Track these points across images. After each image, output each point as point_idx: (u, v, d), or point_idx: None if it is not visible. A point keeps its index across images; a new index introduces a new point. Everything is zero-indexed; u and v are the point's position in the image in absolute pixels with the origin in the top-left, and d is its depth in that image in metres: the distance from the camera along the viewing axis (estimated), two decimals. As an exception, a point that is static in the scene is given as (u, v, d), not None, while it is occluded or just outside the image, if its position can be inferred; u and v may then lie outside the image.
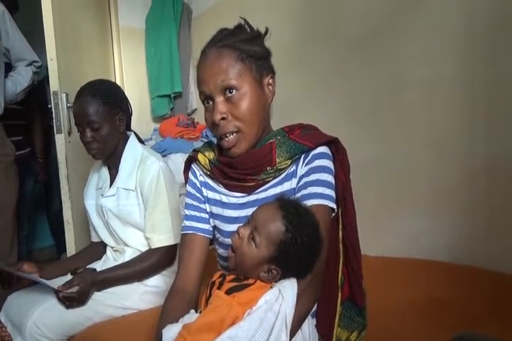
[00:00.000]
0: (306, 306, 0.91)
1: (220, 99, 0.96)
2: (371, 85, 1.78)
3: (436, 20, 1.54)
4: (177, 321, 0.90)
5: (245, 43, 0.97)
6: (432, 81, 1.57)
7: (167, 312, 1.00)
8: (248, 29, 1.02)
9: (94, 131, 1.49)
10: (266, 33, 1.03)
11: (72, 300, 1.35)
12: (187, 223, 1.12)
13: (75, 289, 1.34)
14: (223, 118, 0.96)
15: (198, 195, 1.13)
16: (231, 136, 0.98)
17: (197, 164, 1.15)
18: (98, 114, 1.48)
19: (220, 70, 0.95)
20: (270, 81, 1.02)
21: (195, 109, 3.07)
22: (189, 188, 1.15)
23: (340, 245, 1.06)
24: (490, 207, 1.43)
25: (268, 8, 2.22)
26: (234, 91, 0.95)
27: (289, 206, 0.89)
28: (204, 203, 1.13)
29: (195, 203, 1.13)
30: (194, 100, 3.05)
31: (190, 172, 1.17)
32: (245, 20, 1.03)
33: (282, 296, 0.84)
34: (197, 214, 1.12)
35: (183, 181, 1.22)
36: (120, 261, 1.53)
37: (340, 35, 1.91)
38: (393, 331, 1.24)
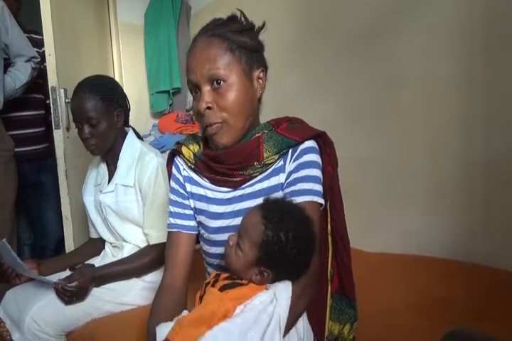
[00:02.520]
0: (301, 309, 0.91)
1: (206, 89, 0.95)
2: (369, 83, 1.77)
3: (435, 18, 1.53)
4: (166, 318, 0.91)
5: (236, 34, 0.95)
6: (430, 79, 1.56)
7: (156, 310, 1.01)
8: (244, 21, 1.00)
9: (93, 127, 1.49)
10: (262, 26, 1.01)
11: (70, 296, 1.35)
12: (172, 220, 1.11)
13: (73, 284, 1.35)
14: (209, 108, 0.95)
15: (181, 190, 1.11)
16: (215, 126, 0.96)
17: (180, 157, 1.12)
18: (96, 110, 1.48)
19: (207, 59, 0.93)
20: (261, 75, 1.00)
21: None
22: (172, 184, 1.13)
23: (329, 237, 1.06)
24: (488, 204, 1.43)
25: (267, 4, 2.21)
26: (221, 81, 0.93)
27: (270, 204, 0.88)
28: (188, 199, 1.10)
29: (179, 200, 1.11)
30: (193, 96, 3.04)
31: (173, 167, 1.14)
32: (241, 12, 1.01)
33: (276, 299, 0.83)
34: (181, 211, 1.11)
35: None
36: (119, 257, 1.53)
37: (338, 32, 1.91)
38: (391, 327, 1.25)
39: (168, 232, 1.11)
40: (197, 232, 1.12)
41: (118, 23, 3.04)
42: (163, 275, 1.08)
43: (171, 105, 3.07)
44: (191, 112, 3.00)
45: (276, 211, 0.86)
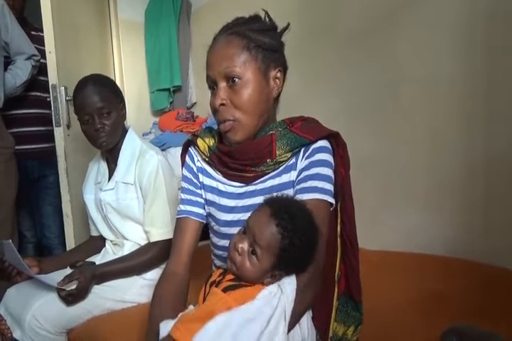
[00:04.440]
0: (306, 302, 0.91)
1: (222, 85, 0.97)
2: (371, 80, 1.77)
3: (437, 16, 1.53)
4: (169, 306, 0.93)
5: (256, 33, 0.97)
6: (431, 76, 1.56)
7: (159, 297, 1.01)
8: (268, 20, 1.02)
9: (105, 118, 1.50)
10: (286, 27, 1.04)
11: (73, 299, 1.35)
12: (182, 207, 1.12)
13: (74, 285, 1.35)
14: (223, 104, 0.97)
15: (194, 180, 1.13)
16: (228, 122, 0.98)
17: (195, 149, 1.14)
18: (107, 100, 1.50)
19: (225, 57, 0.96)
20: (278, 74, 1.02)
21: (195, 103, 3.06)
22: (185, 172, 1.15)
23: (338, 240, 1.06)
24: (488, 202, 1.43)
25: (268, 1, 2.20)
26: (236, 79, 0.95)
27: (281, 211, 0.87)
28: (200, 189, 1.13)
29: (191, 188, 1.13)
30: (193, 94, 3.04)
31: (187, 156, 1.16)
32: (266, 12, 1.03)
33: (282, 291, 0.84)
34: (192, 198, 1.12)
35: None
36: (119, 255, 1.53)
37: (340, 29, 1.90)
38: (390, 325, 1.25)
39: (177, 219, 1.13)
40: (205, 221, 1.13)
41: (118, 20, 3.04)
42: (168, 262, 1.10)
43: (171, 103, 3.07)
44: (192, 110, 3.01)
45: (288, 218, 0.86)
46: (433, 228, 1.58)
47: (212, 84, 1.00)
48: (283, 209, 0.88)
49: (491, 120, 1.41)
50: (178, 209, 1.13)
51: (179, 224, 1.12)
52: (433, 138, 1.57)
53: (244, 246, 0.88)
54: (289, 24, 1.03)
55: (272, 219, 0.86)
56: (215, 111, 1.00)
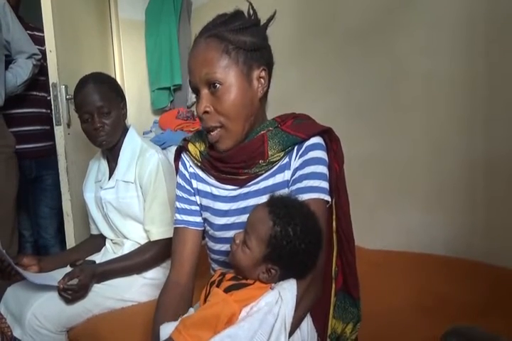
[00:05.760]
0: (306, 307, 0.91)
1: (204, 92, 0.95)
2: (370, 78, 1.77)
3: (437, 14, 1.52)
4: (172, 314, 0.92)
5: (235, 33, 0.93)
6: (431, 75, 1.56)
7: (162, 306, 1.01)
8: (252, 15, 0.98)
9: (104, 117, 1.50)
10: (270, 19, 0.99)
11: (72, 293, 1.35)
12: (178, 216, 1.10)
13: (75, 281, 1.35)
14: (206, 112, 0.95)
15: (187, 187, 1.11)
16: (215, 131, 0.96)
17: (187, 154, 1.12)
18: (107, 99, 1.50)
19: (204, 62, 0.93)
20: (262, 74, 0.97)
21: (195, 102, 3.06)
22: (179, 180, 1.13)
23: (334, 236, 1.05)
24: (489, 202, 1.43)
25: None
26: (218, 85, 0.92)
27: (276, 201, 0.87)
28: (194, 195, 1.10)
29: (185, 195, 1.11)
30: (194, 93, 3.04)
31: (180, 163, 1.14)
32: (250, 3, 0.99)
33: (282, 299, 0.83)
34: (187, 206, 1.10)
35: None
36: (119, 254, 1.53)
37: (339, 27, 1.90)
38: (391, 324, 1.25)
39: (175, 228, 1.11)
40: (203, 228, 1.11)
41: (119, 19, 3.03)
42: (170, 272, 1.08)
43: (171, 102, 3.06)
44: (192, 109, 3.01)
45: (283, 206, 0.85)
46: (434, 228, 1.58)
47: (195, 90, 0.98)
48: (279, 200, 0.88)
49: (492, 120, 1.40)
50: (175, 218, 1.12)
51: (177, 233, 1.10)
52: (433, 138, 1.57)
53: (241, 235, 0.88)
54: (275, 13, 0.98)
55: (266, 208, 0.86)
56: (199, 118, 0.98)
